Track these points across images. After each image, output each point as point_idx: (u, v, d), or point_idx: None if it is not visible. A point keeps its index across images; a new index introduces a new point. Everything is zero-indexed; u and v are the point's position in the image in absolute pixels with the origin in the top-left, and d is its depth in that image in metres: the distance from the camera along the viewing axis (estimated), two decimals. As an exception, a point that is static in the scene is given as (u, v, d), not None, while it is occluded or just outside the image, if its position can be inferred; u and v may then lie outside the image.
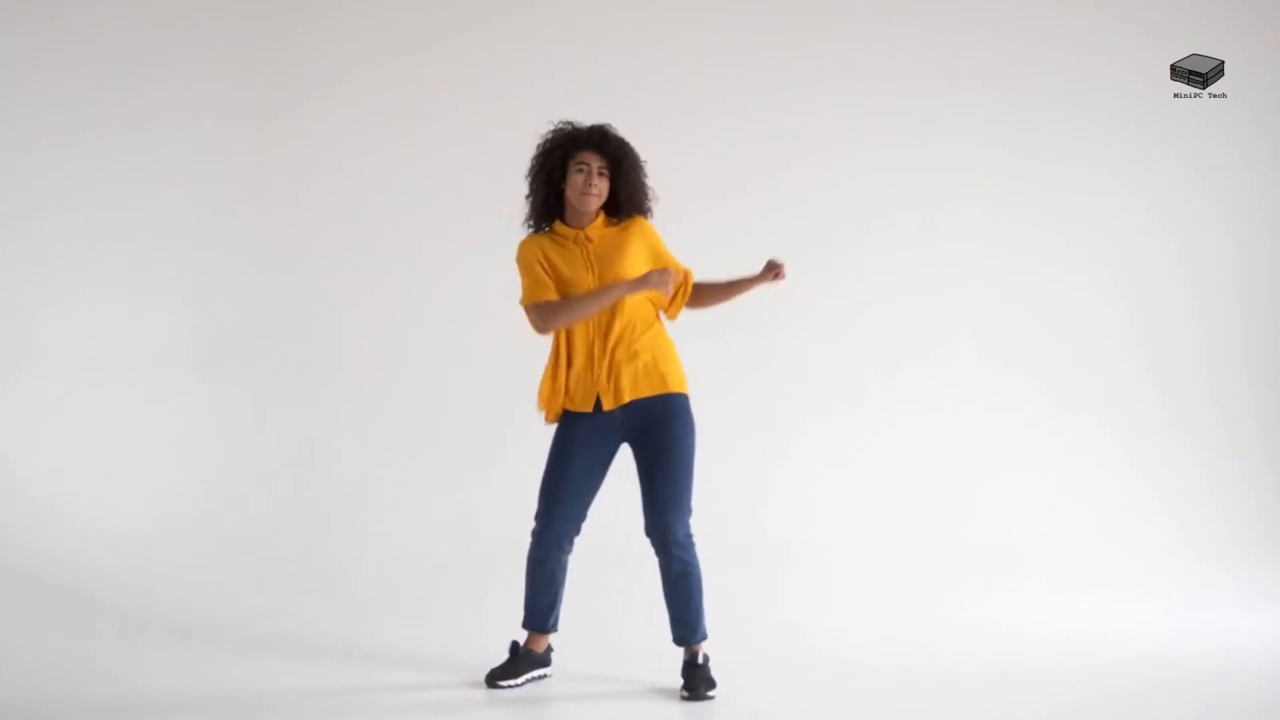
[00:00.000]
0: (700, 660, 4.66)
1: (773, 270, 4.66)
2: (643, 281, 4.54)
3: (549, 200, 4.67)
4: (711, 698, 4.59)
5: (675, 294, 4.69)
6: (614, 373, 4.60)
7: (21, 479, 6.19)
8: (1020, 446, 6.71)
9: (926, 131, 6.76)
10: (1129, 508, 6.63)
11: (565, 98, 6.21)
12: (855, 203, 6.74)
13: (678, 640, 4.72)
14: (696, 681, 4.61)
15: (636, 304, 4.63)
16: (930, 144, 6.77)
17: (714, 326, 6.49)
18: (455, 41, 6.62)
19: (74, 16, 6.40)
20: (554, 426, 4.73)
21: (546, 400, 4.69)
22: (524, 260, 4.66)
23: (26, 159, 6.37)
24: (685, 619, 4.69)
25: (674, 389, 4.64)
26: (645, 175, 4.69)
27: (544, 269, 4.63)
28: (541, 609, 4.76)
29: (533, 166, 4.68)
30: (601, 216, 4.67)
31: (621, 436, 4.68)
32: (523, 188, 4.71)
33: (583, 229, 4.64)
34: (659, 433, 4.62)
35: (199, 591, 5.75)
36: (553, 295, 4.62)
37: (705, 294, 4.76)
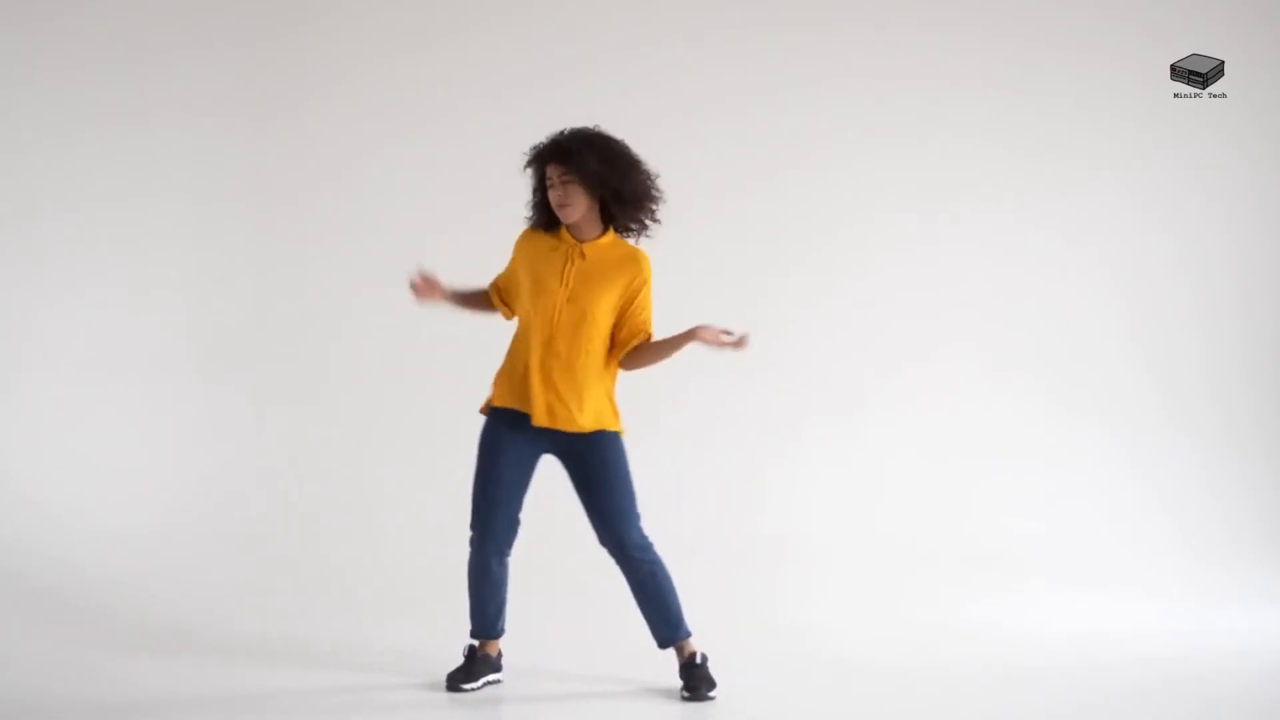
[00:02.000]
0: (699, 660, 4.64)
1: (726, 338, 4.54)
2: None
3: (546, 214, 4.61)
4: (712, 698, 4.59)
5: (620, 348, 4.61)
6: (551, 391, 4.54)
7: (21, 479, 6.19)
8: (1020, 446, 6.71)
9: (926, 131, 6.76)
10: (1129, 508, 6.63)
11: (565, 98, 6.22)
12: (855, 203, 6.74)
13: (662, 643, 4.69)
14: (696, 682, 4.60)
15: (588, 333, 4.54)
16: (930, 144, 6.76)
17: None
18: (455, 41, 6.61)
19: (74, 16, 6.40)
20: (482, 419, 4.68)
21: (496, 382, 4.67)
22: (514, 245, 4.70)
23: (26, 159, 6.36)
24: (664, 618, 4.66)
25: (606, 427, 4.59)
26: (638, 176, 4.54)
27: (515, 261, 4.65)
28: (489, 617, 4.72)
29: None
30: (610, 233, 4.59)
31: (547, 449, 4.65)
32: (521, 187, 4.69)
33: (583, 241, 4.59)
34: (589, 463, 4.59)
35: (199, 592, 5.74)
36: (503, 285, 4.70)
37: (641, 354, 4.62)
